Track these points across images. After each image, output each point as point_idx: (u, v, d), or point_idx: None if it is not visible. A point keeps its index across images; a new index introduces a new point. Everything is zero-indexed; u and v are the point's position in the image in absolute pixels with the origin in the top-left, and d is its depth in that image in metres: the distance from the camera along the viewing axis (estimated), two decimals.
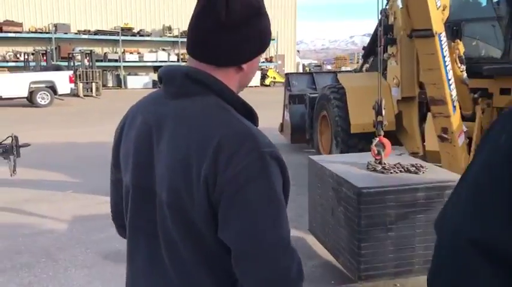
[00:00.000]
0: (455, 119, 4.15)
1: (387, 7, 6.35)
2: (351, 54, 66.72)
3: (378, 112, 3.49)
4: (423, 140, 5.77)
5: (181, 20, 33.38)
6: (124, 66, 30.79)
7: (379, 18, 6.55)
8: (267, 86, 31.93)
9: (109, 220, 4.60)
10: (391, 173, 3.25)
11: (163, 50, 32.43)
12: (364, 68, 7.71)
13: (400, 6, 5.95)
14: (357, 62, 54.73)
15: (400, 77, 5.87)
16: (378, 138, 3.46)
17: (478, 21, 5.01)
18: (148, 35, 31.86)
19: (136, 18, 31.98)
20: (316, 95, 8.27)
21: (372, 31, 7.52)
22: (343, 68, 54.30)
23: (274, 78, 32.61)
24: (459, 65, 4.22)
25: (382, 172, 3.28)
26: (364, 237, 2.99)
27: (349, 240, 3.10)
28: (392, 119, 6.04)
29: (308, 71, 41.82)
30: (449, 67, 3.97)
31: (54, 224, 4.96)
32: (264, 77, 32.31)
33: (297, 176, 7.09)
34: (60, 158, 8.44)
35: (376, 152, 3.45)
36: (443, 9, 3.85)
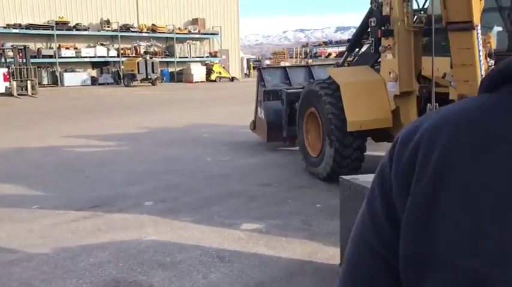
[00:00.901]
0: None
1: None
2: (290, 49, 67.34)
3: None
4: None
5: (120, 13, 31.96)
6: (60, 63, 29.05)
7: (370, 8, 6.28)
8: (212, 81, 31.27)
9: (95, 241, 3.92)
10: None
11: (102, 44, 30.89)
12: (346, 62, 7.37)
13: None
14: (296, 57, 55.64)
15: (398, 71, 5.58)
16: None
17: (493, 11, 4.79)
18: (86, 29, 30.19)
19: (71, 11, 30.18)
20: (293, 90, 7.88)
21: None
22: (282, 63, 54.79)
23: (220, 73, 32.02)
24: (488, 59, 3.95)
25: None
26: None
27: None
28: (389, 115, 5.76)
29: (252, 66, 41.48)
30: (482, 62, 3.68)
31: (29, 250, 4.20)
32: (209, 72, 31.61)
33: (279, 176, 6.70)
34: (12, 166, 7.49)
35: None
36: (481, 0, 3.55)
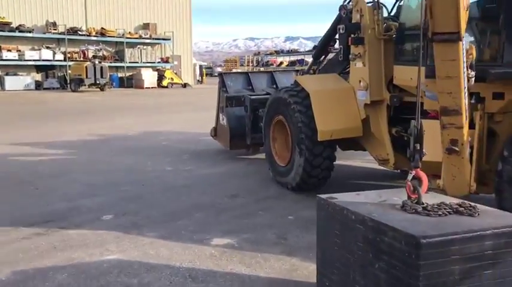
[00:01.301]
0: (466, 129, 3.81)
1: (349, 3, 5.94)
2: (241, 57, 67.63)
3: (417, 139, 2.86)
4: (394, 147, 5.44)
5: (68, 16, 30.79)
6: (1, 65, 27.50)
7: (338, 14, 6.16)
8: (164, 87, 30.63)
9: (51, 261, 3.51)
10: (439, 215, 2.66)
11: (48, 47, 29.56)
12: (311, 69, 7.21)
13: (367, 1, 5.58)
14: (247, 65, 55.85)
15: (368, 80, 5.48)
16: (413, 172, 2.84)
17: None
18: (30, 31, 28.78)
19: (14, 11, 28.72)
20: (257, 97, 7.69)
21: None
22: (234, 71, 54.81)
23: (172, 79, 31.44)
24: (469, 71, 3.88)
25: (428, 214, 2.65)
26: None
27: None
28: (360, 125, 5.65)
29: (205, 72, 41.12)
30: (465, 74, 3.60)
31: None
32: (161, 78, 30.96)
33: (246, 187, 6.43)
34: None
35: (412, 188, 2.85)
36: (467, 10, 3.45)
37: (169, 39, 34.09)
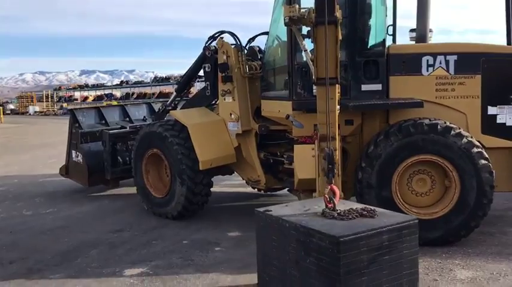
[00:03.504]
0: (339, 151, 4.79)
1: (210, 44, 6.65)
2: (38, 92, 62.77)
3: (330, 161, 3.71)
4: (263, 169, 6.27)
5: None
6: None
7: (202, 54, 6.82)
8: None
9: None
10: (350, 219, 3.49)
11: None
12: (173, 103, 7.63)
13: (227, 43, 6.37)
14: (47, 100, 51.98)
15: (238, 113, 6.24)
16: (329, 187, 3.66)
17: None
18: None
19: None
20: (116, 131, 7.79)
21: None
22: (31, 108, 50.45)
23: None
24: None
25: (342, 219, 3.48)
26: (343, 285, 3.13)
27: None
28: (233, 152, 6.35)
29: (1, 110, 36.88)
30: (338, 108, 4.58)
31: None
32: None
33: (126, 221, 6.47)
34: None
35: (328, 199, 3.66)
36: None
37: None
